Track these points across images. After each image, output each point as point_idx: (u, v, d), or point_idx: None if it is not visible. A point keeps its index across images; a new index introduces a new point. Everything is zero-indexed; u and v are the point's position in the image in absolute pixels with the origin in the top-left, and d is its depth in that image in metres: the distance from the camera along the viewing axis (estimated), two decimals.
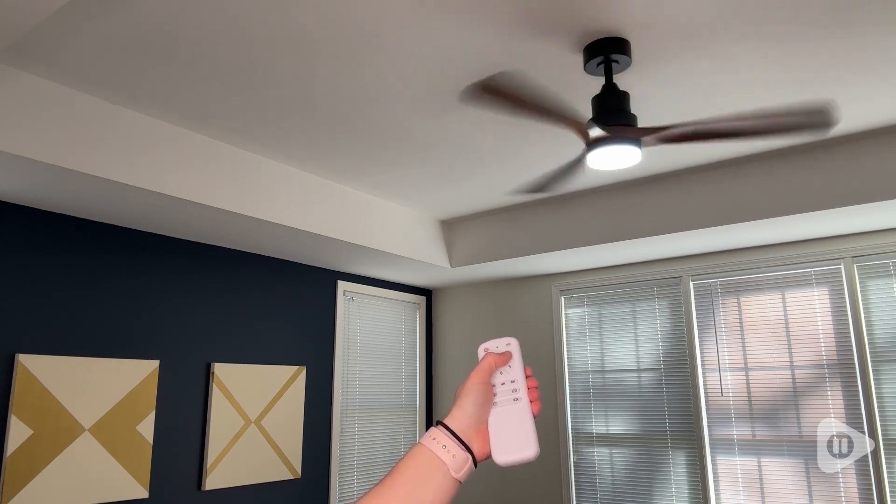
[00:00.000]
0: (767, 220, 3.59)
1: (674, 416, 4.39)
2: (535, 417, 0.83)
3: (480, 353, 0.85)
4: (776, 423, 4.01)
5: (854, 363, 3.82)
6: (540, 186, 3.00)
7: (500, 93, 2.14)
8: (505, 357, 0.83)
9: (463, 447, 0.75)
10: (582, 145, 3.36)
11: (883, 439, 3.68)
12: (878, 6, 2.17)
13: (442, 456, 0.74)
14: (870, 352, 3.79)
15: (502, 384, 0.82)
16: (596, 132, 2.30)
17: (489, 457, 0.79)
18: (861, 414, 3.76)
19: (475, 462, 0.76)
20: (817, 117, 2.19)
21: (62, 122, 2.66)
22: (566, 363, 4.92)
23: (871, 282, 3.85)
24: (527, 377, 0.83)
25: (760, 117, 2.18)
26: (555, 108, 2.21)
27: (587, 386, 4.80)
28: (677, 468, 4.31)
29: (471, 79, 2.63)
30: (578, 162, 2.62)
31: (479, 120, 3.05)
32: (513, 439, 0.78)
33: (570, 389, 4.88)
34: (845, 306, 3.90)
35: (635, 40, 2.36)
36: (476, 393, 0.79)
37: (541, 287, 5.14)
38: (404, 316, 5.42)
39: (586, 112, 2.95)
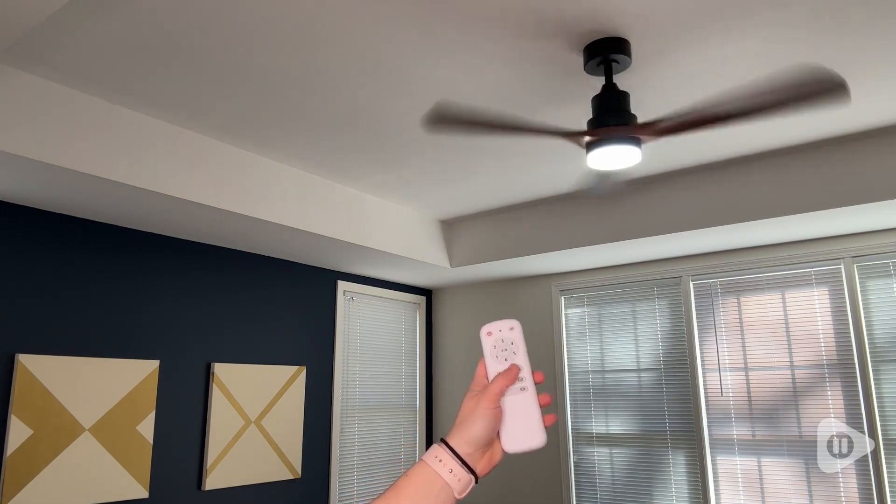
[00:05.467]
0: (767, 220, 3.59)
1: (674, 416, 4.39)
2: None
3: (483, 335, 0.83)
4: (776, 423, 4.01)
5: (854, 363, 3.82)
6: (604, 185, 2.94)
7: (452, 120, 2.13)
8: (511, 375, 0.80)
9: (468, 470, 0.76)
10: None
11: (883, 439, 3.68)
12: (879, 5, 2.17)
13: (448, 479, 0.74)
14: (870, 352, 3.79)
15: None
16: (586, 137, 2.30)
17: (488, 472, 0.80)
18: (861, 414, 3.76)
19: (476, 480, 0.77)
20: (827, 84, 2.12)
21: (62, 122, 2.66)
22: (566, 363, 4.92)
23: (871, 282, 3.85)
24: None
25: (766, 93, 2.14)
26: (515, 123, 2.20)
27: (587, 386, 4.80)
28: (677, 468, 4.31)
29: (469, 78, 2.63)
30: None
31: None
32: (521, 428, 0.78)
33: (570, 389, 4.88)
34: (845, 306, 3.90)
35: (635, 40, 2.36)
36: (487, 419, 0.78)
37: (541, 287, 5.14)
38: (404, 316, 5.42)
39: (585, 112, 2.95)
